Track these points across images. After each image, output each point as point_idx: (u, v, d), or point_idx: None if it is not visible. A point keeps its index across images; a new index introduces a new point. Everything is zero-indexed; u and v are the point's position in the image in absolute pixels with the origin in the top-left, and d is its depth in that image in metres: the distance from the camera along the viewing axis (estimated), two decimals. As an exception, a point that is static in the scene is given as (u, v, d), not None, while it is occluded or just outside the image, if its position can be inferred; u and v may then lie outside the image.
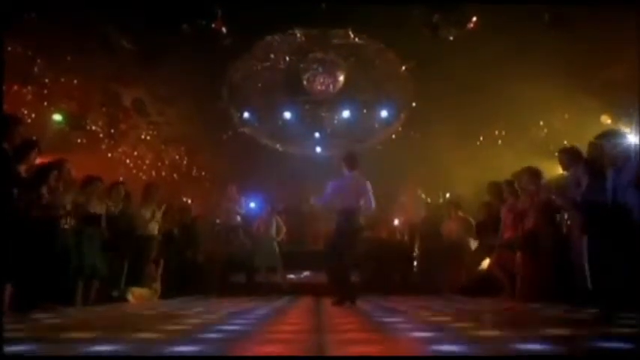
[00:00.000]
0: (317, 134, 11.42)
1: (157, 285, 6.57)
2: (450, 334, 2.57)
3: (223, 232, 8.13)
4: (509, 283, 5.79)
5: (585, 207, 4.55)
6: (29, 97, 8.19)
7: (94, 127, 9.64)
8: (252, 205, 9.86)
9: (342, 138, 10.91)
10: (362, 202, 5.34)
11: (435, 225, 7.50)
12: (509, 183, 6.09)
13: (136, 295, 6.04)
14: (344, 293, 5.04)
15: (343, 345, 2.27)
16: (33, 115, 8.14)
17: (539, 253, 5.22)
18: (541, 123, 9.45)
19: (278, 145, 11.41)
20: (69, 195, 5.05)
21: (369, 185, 5.42)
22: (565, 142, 6.82)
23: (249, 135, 11.24)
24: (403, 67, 9.89)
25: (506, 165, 7.19)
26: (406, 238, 8.14)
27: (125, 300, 5.83)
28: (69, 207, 4.97)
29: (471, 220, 7.17)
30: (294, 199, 9.56)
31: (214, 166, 11.03)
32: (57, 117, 8.82)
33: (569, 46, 7.27)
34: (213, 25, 8.69)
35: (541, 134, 9.42)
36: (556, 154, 5.53)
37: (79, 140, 9.22)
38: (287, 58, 10.87)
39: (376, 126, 11.05)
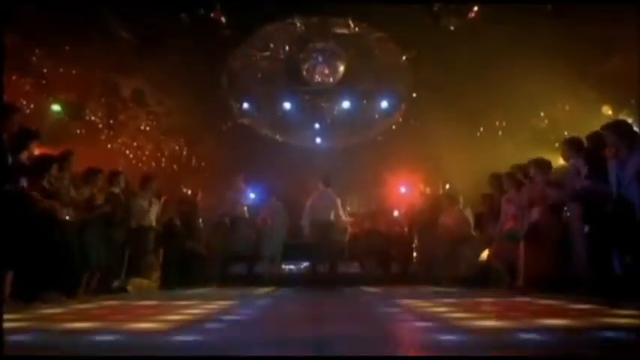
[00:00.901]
0: (317, 125, 11.27)
1: (157, 275, 6.55)
2: (449, 325, 2.52)
3: (228, 222, 8.06)
4: (508, 275, 5.75)
5: (584, 197, 4.47)
6: (27, 87, 8.15)
7: (93, 118, 9.57)
8: (253, 195, 9.79)
9: (342, 129, 10.77)
10: (333, 214, 7.15)
11: (434, 217, 7.42)
12: (510, 174, 6.02)
13: (135, 285, 6.01)
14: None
15: (341, 335, 2.26)
16: (32, 106, 8.09)
17: (544, 244, 5.14)
18: (542, 114, 9.30)
19: (278, 136, 11.29)
20: (71, 186, 5.03)
21: (338, 201, 7.42)
22: (566, 134, 6.70)
23: (249, 126, 11.06)
24: (404, 57, 9.71)
25: (506, 156, 7.09)
26: (406, 229, 8.08)
27: (125, 290, 5.79)
28: (71, 198, 4.94)
29: (467, 214, 7.10)
30: (295, 190, 9.47)
31: (214, 156, 10.92)
32: (56, 107, 8.74)
33: (570, 37, 7.12)
34: (212, 15, 8.76)
35: (542, 125, 9.26)
36: (557, 144, 5.42)
37: (78, 131, 9.18)
38: (287, 48, 10.70)
39: (376, 116, 10.89)
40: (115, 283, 5.80)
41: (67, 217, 4.84)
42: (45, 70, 8.44)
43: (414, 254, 8.04)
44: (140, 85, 9.67)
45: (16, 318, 2.80)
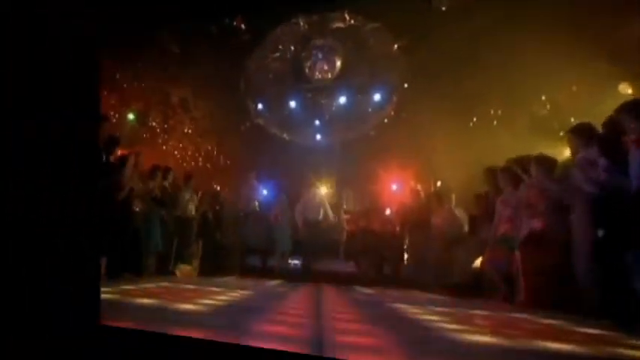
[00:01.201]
0: (317, 122, 10.32)
1: (197, 263, 6.84)
2: (438, 335, 2.22)
3: (243, 217, 7.90)
4: (503, 284, 4.44)
5: (601, 195, 3.33)
6: (112, 101, 8.84)
7: (153, 124, 10.25)
8: (265, 192, 9.04)
9: (339, 124, 9.85)
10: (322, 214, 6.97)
11: (425, 216, 6.08)
12: (506, 169, 4.65)
13: (181, 271, 6.32)
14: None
15: (340, 331, 2.23)
16: (116, 115, 8.84)
17: (547, 254, 3.83)
18: (543, 98, 7.38)
19: (285, 135, 10.56)
20: (140, 181, 5.47)
21: (326, 200, 7.30)
22: (572, 120, 5.01)
23: (263, 125, 10.57)
24: (395, 46, 8.37)
25: (503, 148, 5.56)
26: (397, 229, 6.79)
27: (174, 274, 6.08)
28: (140, 191, 5.36)
29: (459, 213, 5.74)
30: (298, 187, 8.56)
31: (238, 155, 10.67)
32: (130, 116, 9.60)
33: (574, 2, 5.31)
34: (234, 23, 8.95)
35: (543, 111, 7.35)
36: (561, 133, 4.00)
37: (144, 135, 9.82)
38: (292, 48, 10.12)
39: (370, 110, 9.79)
40: (170, 267, 6.16)
41: (137, 209, 5.30)
42: (125, 85, 9.27)
43: (405, 255, 6.72)
44: (185, 93, 10.08)
45: (104, 291, 3.14)
